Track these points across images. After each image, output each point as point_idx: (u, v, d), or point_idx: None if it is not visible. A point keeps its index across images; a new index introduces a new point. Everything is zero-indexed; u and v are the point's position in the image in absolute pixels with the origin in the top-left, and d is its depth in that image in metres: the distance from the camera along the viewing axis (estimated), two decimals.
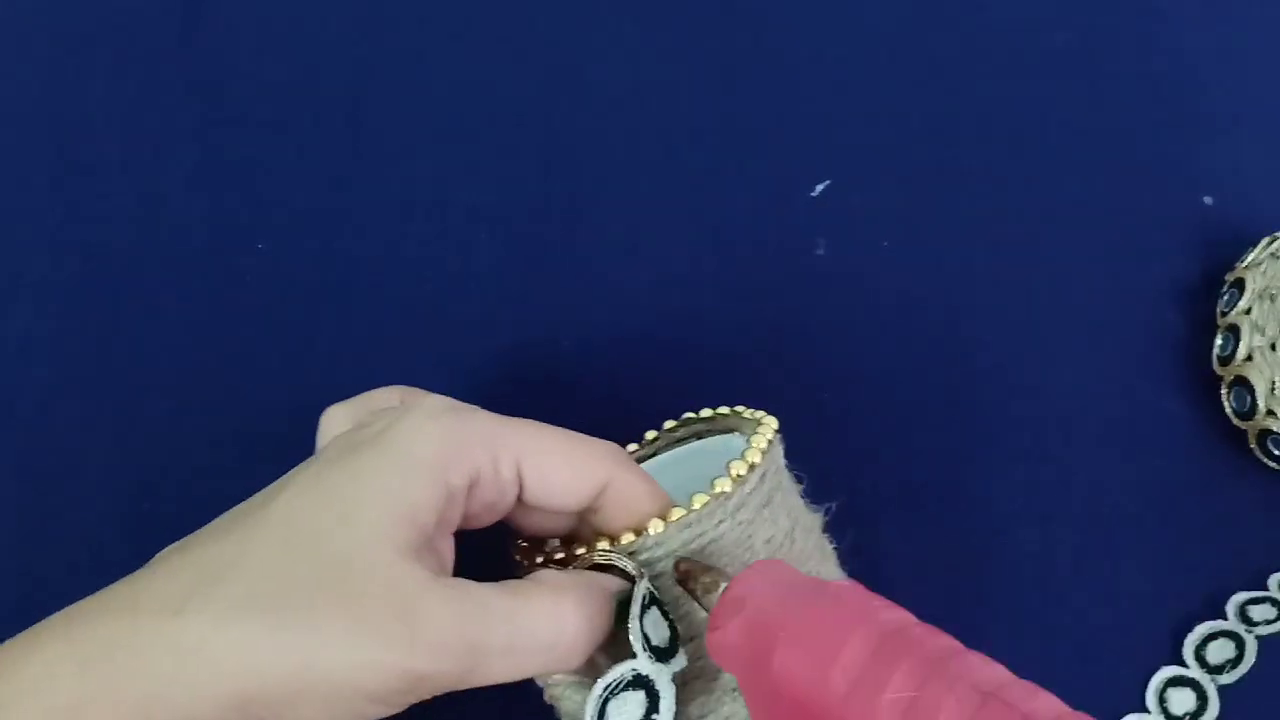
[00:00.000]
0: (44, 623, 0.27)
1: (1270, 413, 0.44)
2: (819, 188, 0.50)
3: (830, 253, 0.49)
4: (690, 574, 0.30)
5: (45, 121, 0.50)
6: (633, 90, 0.51)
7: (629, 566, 0.30)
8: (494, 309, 0.47)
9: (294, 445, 0.44)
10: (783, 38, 0.53)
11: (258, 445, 0.45)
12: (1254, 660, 0.42)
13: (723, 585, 0.29)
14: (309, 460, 0.30)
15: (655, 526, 0.31)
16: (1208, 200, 0.51)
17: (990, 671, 0.25)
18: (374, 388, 0.42)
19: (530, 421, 0.31)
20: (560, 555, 0.32)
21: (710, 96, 0.51)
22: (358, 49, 0.51)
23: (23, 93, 0.50)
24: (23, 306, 0.46)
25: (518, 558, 0.34)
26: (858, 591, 0.28)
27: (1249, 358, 0.45)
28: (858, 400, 0.47)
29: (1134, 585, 0.45)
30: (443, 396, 0.31)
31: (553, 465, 0.31)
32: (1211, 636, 0.43)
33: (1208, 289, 0.49)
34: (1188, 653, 0.43)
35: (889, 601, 0.27)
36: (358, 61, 0.51)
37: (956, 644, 0.26)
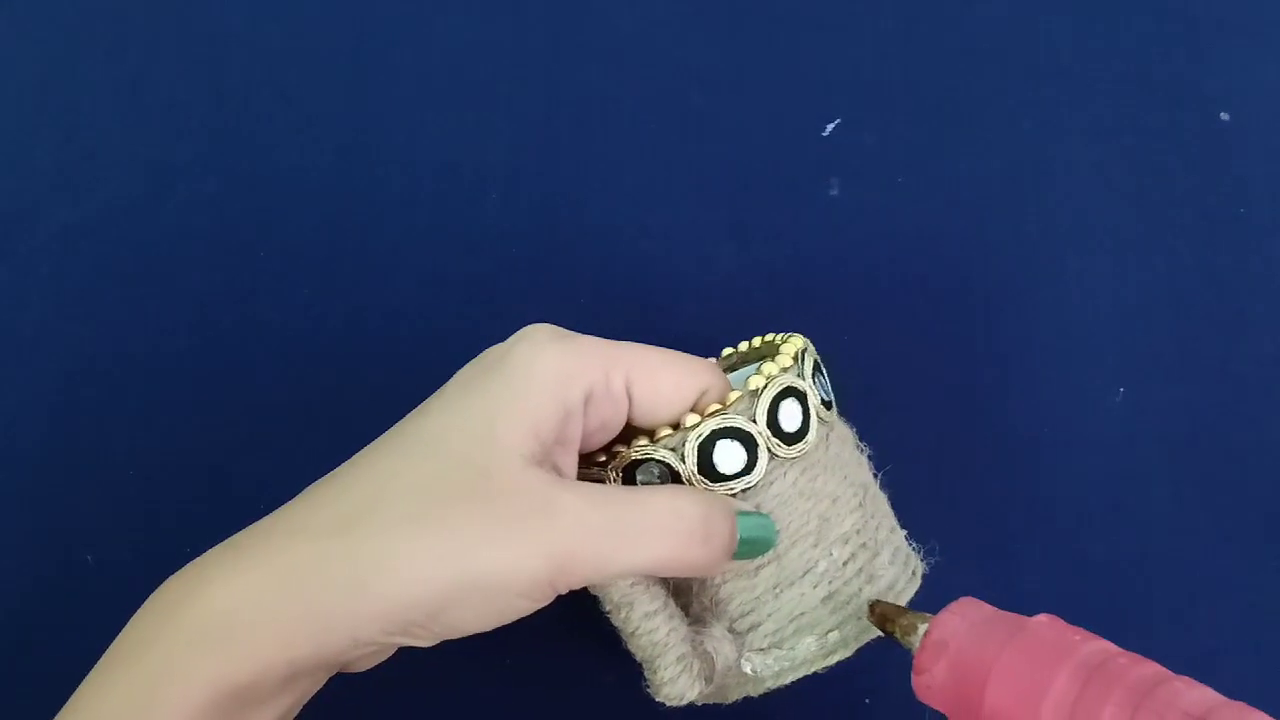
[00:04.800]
0: (223, 549, 0.31)
1: None
2: (829, 127, 0.49)
3: (844, 192, 0.49)
4: (886, 616, 0.32)
5: (47, 107, 0.49)
6: (639, 35, 0.51)
7: (666, 456, 0.33)
8: (508, 266, 0.47)
9: (308, 417, 0.44)
10: None
11: (271, 417, 0.45)
12: None
13: (922, 628, 0.31)
14: (445, 386, 0.33)
15: (690, 419, 0.33)
16: (1224, 117, 0.50)
17: (1198, 694, 0.26)
18: (387, 356, 0.42)
19: (632, 343, 0.34)
20: (602, 458, 0.34)
21: (717, 40, 0.51)
22: (360, 16, 0.51)
23: (23, 79, 0.49)
24: (26, 303, 0.46)
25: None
26: (1056, 625, 0.29)
27: None
28: (877, 340, 0.47)
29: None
30: (544, 324, 0.34)
31: (660, 377, 0.33)
32: None
33: (1224, 210, 0.49)
34: None
35: (1087, 632, 0.29)
36: (361, 27, 0.50)
37: (1161, 670, 0.27)
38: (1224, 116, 0.50)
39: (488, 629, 0.31)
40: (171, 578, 0.31)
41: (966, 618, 0.30)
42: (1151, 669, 0.27)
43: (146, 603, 0.31)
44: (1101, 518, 0.45)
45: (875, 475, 0.38)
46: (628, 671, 0.34)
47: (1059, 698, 0.27)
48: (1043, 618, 0.29)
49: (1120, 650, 0.28)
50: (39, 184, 0.48)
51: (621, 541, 0.30)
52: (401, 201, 0.48)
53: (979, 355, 0.47)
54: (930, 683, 0.30)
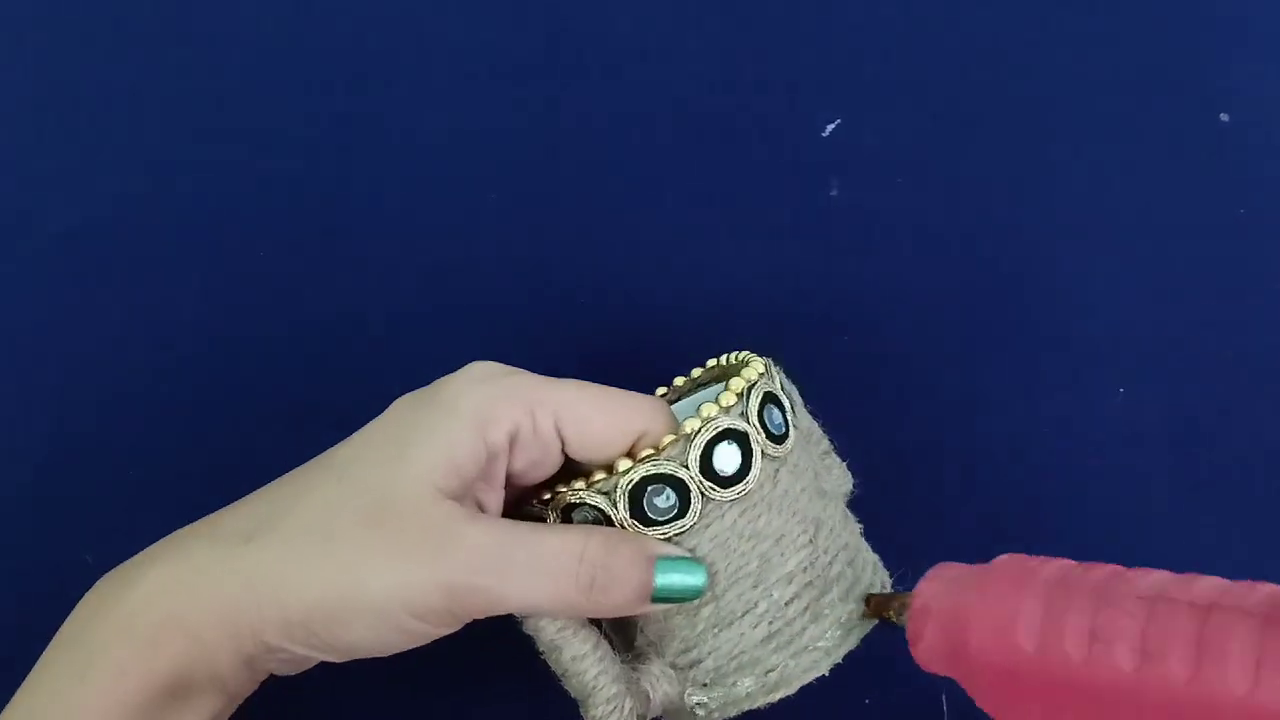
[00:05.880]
0: (152, 548, 0.33)
1: None
2: (829, 127, 0.49)
3: (844, 192, 0.48)
4: (881, 606, 0.33)
5: (47, 107, 0.49)
6: (638, 36, 0.50)
7: (598, 501, 0.33)
8: (508, 266, 0.47)
9: (308, 417, 0.44)
10: None
11: (271, 416, 0.45)
12: None
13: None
14: (380, 415, 0.34)
15: (623, 464, 0.33)
16: (1224, 118, 0.50)
17: (1149, 579, 0.28)
18: (387, 356, 0.42)
19: (572, 381, 0.33)
20: (547, 496, 0.34)
21: (716, 40, 0.51)
22: (360, 16, 0.51)
23: (24, 79, 0.49)
24: (26, 303, 0.46)
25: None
26: (1014, 560, 0.31)
27: None
28: (876, 342, 0.47)
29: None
30: (491, 362, 0.34)
31: (590, 419, 0.33)
32: None
33: (1224, 210, 0.49)
34: None
35: (1044, 557, 0.30)
36: (361, 27, 0.50)
37: (1117, 567, 0.29)
38: (1224, 117, 0.50)
39: (398, 649, 0.32)
40: (104, 576, 0.33)
41: (942, 579, 0.31)
42: (1106, 569, 0.29)
43: (83, 600, 0.32)
44: (1101, 518, 0.45)
45: (854, 490, 0.37)
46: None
47: (1028, 618, 0.28)
48: (1004, 556, 0.31)
49: (1075, 562, 0.30)
50: (39, 184, 0.48)
51: (514, 577, 0.31)
52: (402, 201, 0.48)
53: (979, 355, 0.47)
54: (928, 646, 0.31)
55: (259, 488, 0.34)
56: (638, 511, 0.32)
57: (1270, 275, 0.48)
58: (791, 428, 0.34)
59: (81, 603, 0.32)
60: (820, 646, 0.34)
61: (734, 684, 0.33)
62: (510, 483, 0.34)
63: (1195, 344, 0.47)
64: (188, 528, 0.33)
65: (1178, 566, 0.44)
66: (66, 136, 0.48)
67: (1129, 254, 0.48)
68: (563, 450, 0.33)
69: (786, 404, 0.35)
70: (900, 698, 0.42)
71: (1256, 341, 0.47)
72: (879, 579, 0.36)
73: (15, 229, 0.47)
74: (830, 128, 0.49)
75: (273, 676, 0.34)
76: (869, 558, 0.36)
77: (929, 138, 0.49)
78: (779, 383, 0.35)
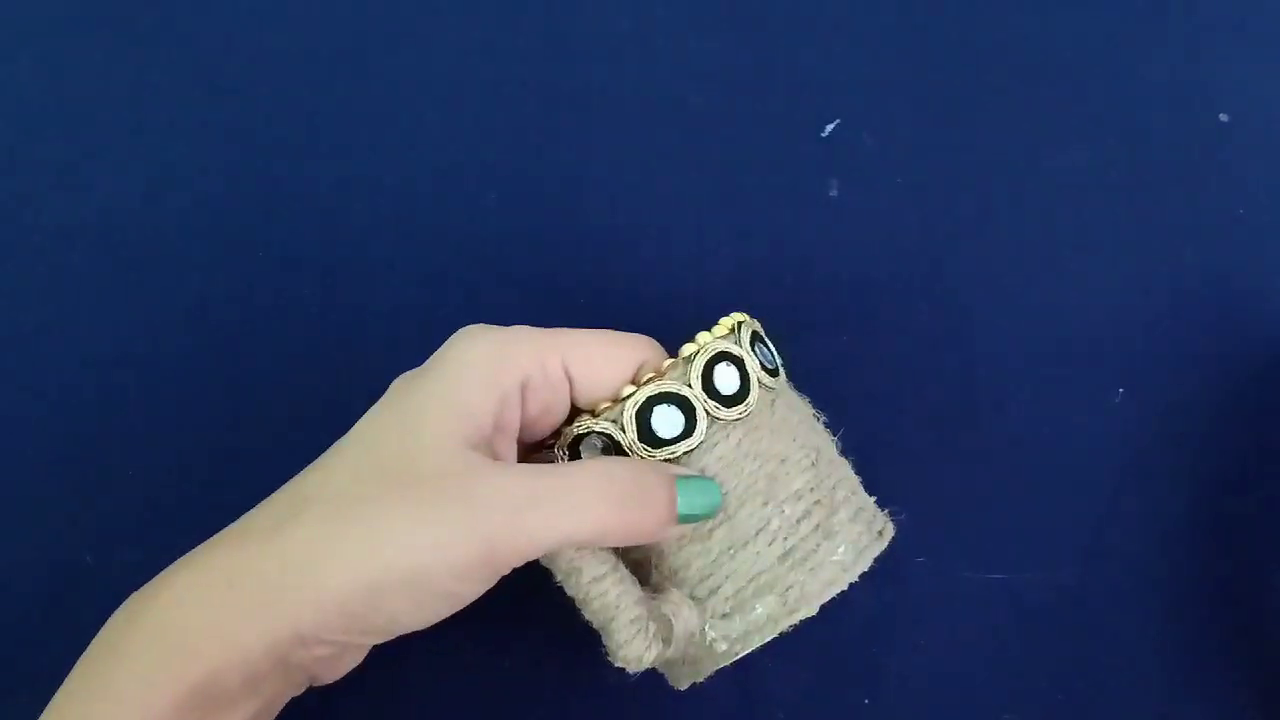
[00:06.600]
0: (180, 559, 0.32)
1: None
2: (829, 128, 0.49)
3: (844, 193, 0.48)
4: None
5: (47, 107, 0.49)
6: (638, 36, 0.51)
7: (606, 428, 0.34)
8: (508, 266, 0.47)
9: (308, 417, 0.44)
10: None
11: (271, 416, 0.45)
12: None
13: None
14: (381, 399, 0.34)
15: (626, 390, 0.34)
16: (1224, 118, 0.50)
17: None
18: (387, 356, 0.41)
19: (567, 328, 0.35)
20: (551, 441, 0.35)
21: (715, 40, 0.51)
22: (360, 16, 0.51)
23: (23, 79, 0.49)
24: (26, 303, 0.46)
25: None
26: None
27: None
28: (877, 340, 0.47)
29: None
30: (482, 324, 0.34)
31: (596, 358, 0.34)
32: None
33: (1224, 210, 0.49)
34: None
35: None
36: (361, 27, 0.50)
37: None
38: (1223, 117, 0.50)
39: (436, 619, 0.31)
40: (136, 591, 0.32)
41: None
42: None
43: (113, 615, 0.32)
44: (1101, 518, 0.45)
45: (843, 456, 0.38)
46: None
47: None
48: None
49: None
50: (39, 184, 0.48)
51: (551, 511, 0.30)
52: (401, 201, 0.48)
53: (978, 355, 0.47)
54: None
55: (259, 488, 0.34)
56: (646, 434, 0.33)
57: (1270, 275, 0.48)
58: (780, 366, 0.36)
59: (109, 619, 0.32)
60: (835, 561, 0.34)
61: (754, 608, 0.33)
62: (521, 436, 0.34)
63: (1195, 344, 0.47)
64: (220, 532, 0.33)
65: (1178, 567, 0.44)
66: (66, 136, 0.48)
67: (1129, 254, 0.48)
68: (570, 395, 0.34)
69: (773, 349, 0.36)
70: (900, 698, 0.42)
71: (1256, 341, 0.47)
72: (880, 516, 0.36)
73: (15, 229, 0.47)
74: (830, 128, 0.49)
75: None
76: (869, 498, 0.36)
77: (929, 137, 0.49)
78: (764, 333, 0.37)
